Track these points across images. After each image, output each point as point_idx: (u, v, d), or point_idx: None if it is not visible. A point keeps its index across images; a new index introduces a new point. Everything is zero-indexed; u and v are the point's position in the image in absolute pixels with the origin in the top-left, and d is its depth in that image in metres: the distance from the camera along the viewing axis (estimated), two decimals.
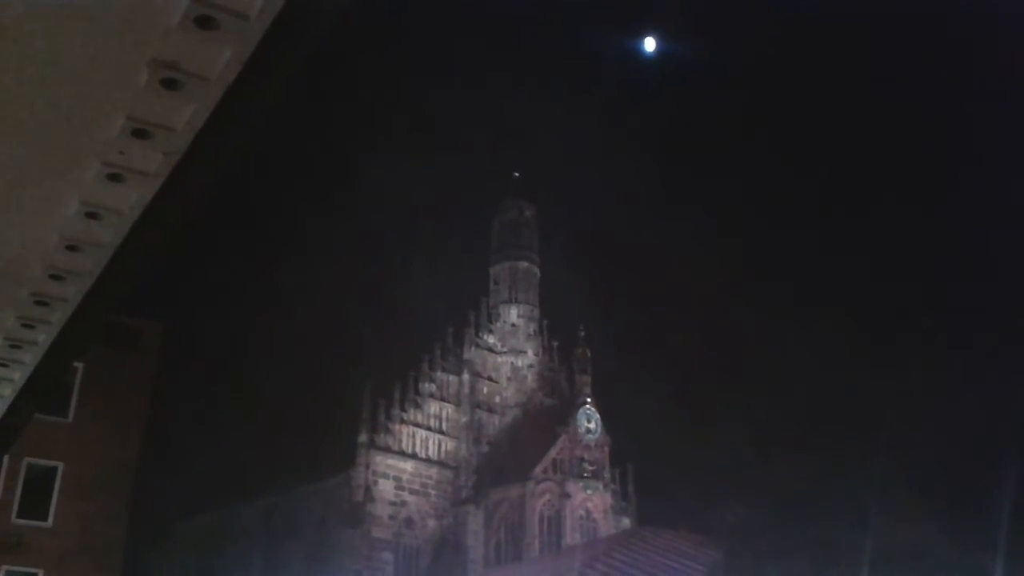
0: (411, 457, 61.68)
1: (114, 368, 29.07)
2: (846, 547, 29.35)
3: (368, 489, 58.53)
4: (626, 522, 63.20)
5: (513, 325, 70.26)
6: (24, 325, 2.97)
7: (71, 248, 2.61)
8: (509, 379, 68.83)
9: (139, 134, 2.17)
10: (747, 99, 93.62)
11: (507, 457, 63.02)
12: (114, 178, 2.31)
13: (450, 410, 64.95)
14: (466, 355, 66.83)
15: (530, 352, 70.12)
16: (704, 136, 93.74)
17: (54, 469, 29.04)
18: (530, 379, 69.50)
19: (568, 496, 59.84)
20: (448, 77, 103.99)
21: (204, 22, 1.89)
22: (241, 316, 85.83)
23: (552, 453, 61.44)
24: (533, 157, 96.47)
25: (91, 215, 2.46)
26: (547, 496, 60.14)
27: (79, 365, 27.86)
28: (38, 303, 2.86)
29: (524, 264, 71.65)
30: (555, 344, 71.14)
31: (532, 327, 70.90)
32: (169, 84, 2.02)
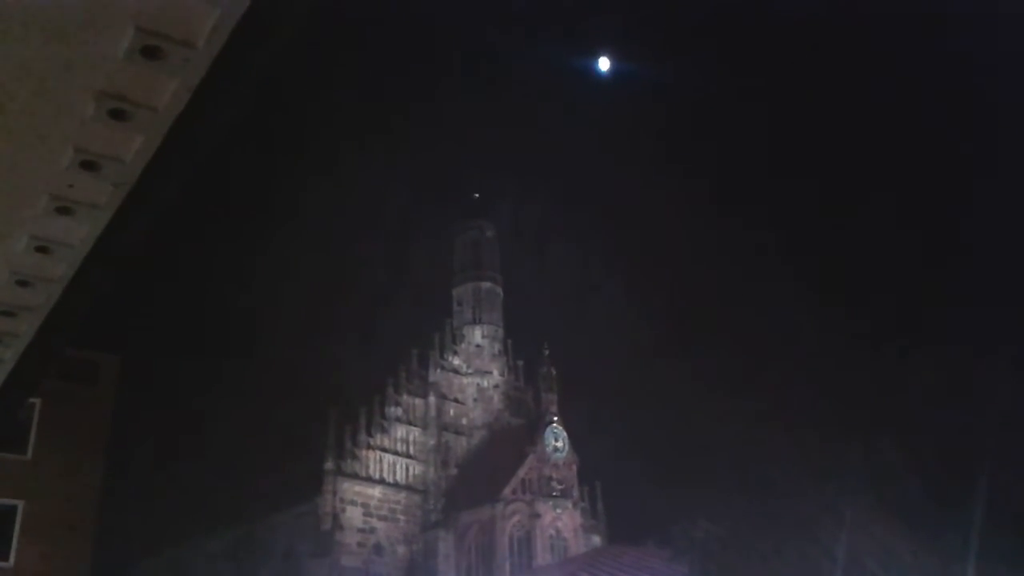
0: (379, 482, 61.23)
1: (72, 403, 28.60)
2: (820, 558, 29.50)
3: (336, 516, 57.99)
4: (596, 540, 63.13)
5: (478, 346, 70.21)
6: None
7: (21, 283, 2.57)
8: (475, 400, 68.70)
9: (88, 166, 2.15)
10: (704, 114, 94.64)
11: (476, 479, 62.76)
12: (64, 211, 2.29)
13: (417, 433, 64.64)
14: (432, 377, 66.64)
15: (495, 372, 70.07)
16: (664, 151, 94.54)
17: (14, 508, 28.45)
18: (496, 399, 69.40)
19: (538, 516, 59.68)
20: (405, 98, 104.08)
21: (150, 52, 1.88)
22: (201, 346, 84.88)
23: (521, 473, 61.29)
24: (492, 177, 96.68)
25: (41, 249, 2.43)
26: (517, 517, 59.95)
27: (36, 401, 27.39)
28: None
29: (487, 284, 71.71)
30: (520, 363, 71.16)
31: (497, 347, 70.89)
32: (117, 115, 2.01)
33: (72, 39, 1.87)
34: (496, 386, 69.76)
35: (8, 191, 2.25)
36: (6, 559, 28.21)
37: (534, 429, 64.03)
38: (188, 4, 1.83)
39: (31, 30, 1.84)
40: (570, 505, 61.68)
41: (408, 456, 63.46)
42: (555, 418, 63.87)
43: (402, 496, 62.04)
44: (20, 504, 28.51)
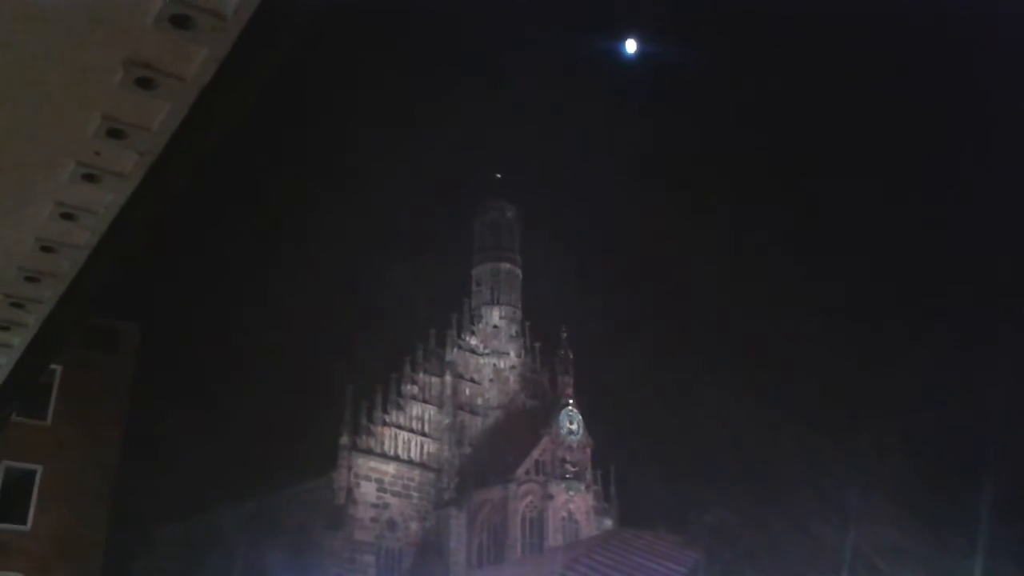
0: (393, 459, 61.56)
1: (93, 370, 28.88)
2: (829, 548, 29.50)
3: (350, 492, 58.38)
4: (608, 523, 63.26)
5: (495, 327, 70.29)
6: None
7: (46, 249, 2.58)
8: (491, 381, 68.84)
9: (114, 134, 2.15)
10: (732, 99, 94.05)
11: (490, 459, 63.00)
12: (89, 178, 2.30)
13: (432, 412, 64.89)
14: (448, 357, 66.80)
15: (512, 353, 70.16)
16: (690, 135, 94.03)
17: (33, 472, 28.80)
18: (512, 380, 69.53)
19: (550, 497, 59.89)
20: (430, 77, 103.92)
21: (180, 21, 1.88)
22: (222, 318, 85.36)
23: (534, 454, 61.49)
24: (515, 158, 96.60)
25: (66, 216, 2.44)
26: (529, 498, 60.17)
27: (57, 367, 27.65)
28: (13, 305, 2.84)
29: (506, 265, 71.69)
30: (537, 345, 71.20)
31: (514, 328, 70.94)
32: (144, 84, 2.01)
33: (102, 6, 1.87)
34: (512, 367, 69.88)
35: (35, 157, 2.26)
36: (24, 522, 28.59)
37: (549, 411, 64.18)
38: None
39: None
40: (583, 488, 61.86)
41: (423, 434, 63.76)
42: (570, 401, 63.99)
43: (416, 473, 62.37)
44: (39, 468, 28.86)
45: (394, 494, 60.81)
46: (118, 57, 1.96)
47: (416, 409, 64.05)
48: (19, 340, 3.04)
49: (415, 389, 64.47)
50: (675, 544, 41.00)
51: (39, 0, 1.86)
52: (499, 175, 73.69)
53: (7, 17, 1.89)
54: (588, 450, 63.40)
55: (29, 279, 2.72)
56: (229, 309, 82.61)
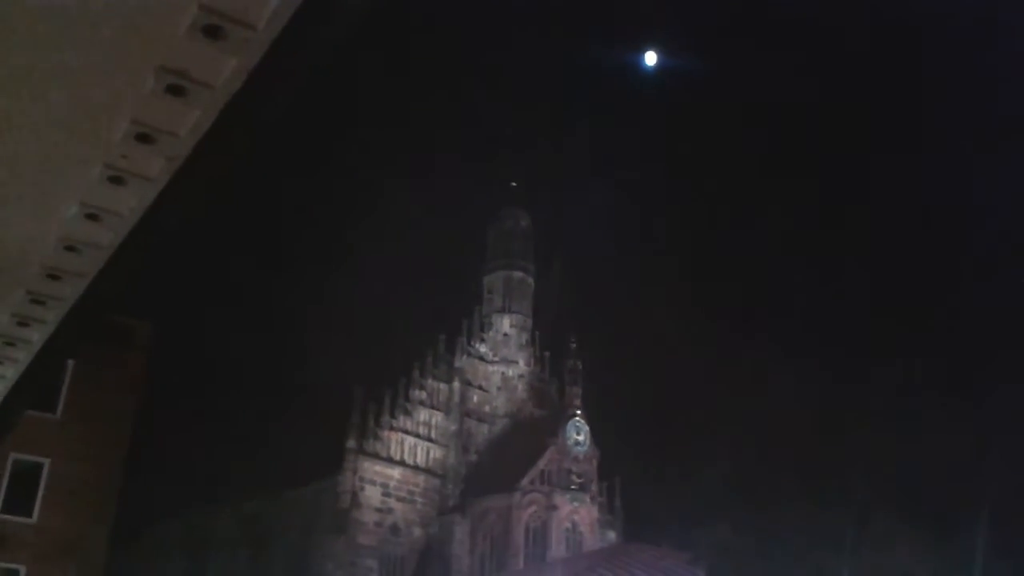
0: (399, 464, 61.56)
1: (104, 366, 28.98)
2: (829, 567, 29.42)
3: (355, 495, 58.38)
4: (612, 536, 63.11)
5: (505, 335, 70.28)
6: (19, 323, 2.98)
7: (69, 248, 2.62)
8: (499, 388, 68.82)
9: (142, 138, 2.19)
10: (748, 113, 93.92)
11: (495, 467, 62.93)
12: (115, 180, 2.33)
13: (439, 418, 64.88)
14: (457, 363, 66.82)
15: (521, 362, 70.13)
16: (704, 150, 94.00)
17: (40, 465, 28.93)
18: (520, 389, 69.49)
19: (555, 508, 59.75)
20: (448, 85, 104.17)
21: (211, 31, 1.91)
22: (234, 318, 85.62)
23: (540, 464, 61.36)
24: (532, 167, 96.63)
25: (91, 216, 2.47)
26: (534, 507, 60.05)
27: (69, 362, 27.79)
28: (34, 302, 2.88)
29: (518, 274, 71.71)
30: (546, 355, 71.19)
31: (524, 337, 70.93)
32: (175, 91, 2.04)
33: (136, 14, 1.90)
34: (521, 376, 69.85)
35: (63, 157, 2.30)
36: (30, 515, 28.71)
37: (556, 421, 64.06)
38: None
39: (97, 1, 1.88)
40: (588, 499, 61.69)
41: (429, 440, 63.74)
42: (578, 412, 63.85)
43: (421, 479, 62.34)
44: (46, 462, 28.98)
45: (399, 499, 60.79)
46: (150, 64, 2.00)
47: (423, 414, 64.06)
48: (38, 336, 3.08)
49: (423, 394, 64.49)
50: (682, 560, 40.88)
51: (76, 7, 1.89)
52: (514, 183, 73.80)
53: (46, 22, 1.93)
54: (594, 462, 63.24)
55: (51, 277, 2.76)
56: (240, 309, 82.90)
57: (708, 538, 33.61)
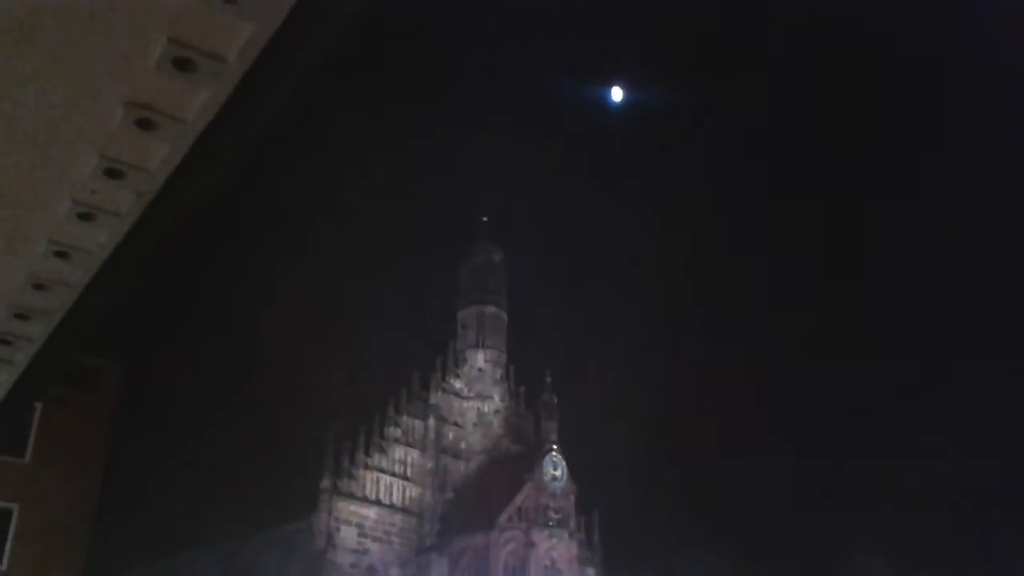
0: (375, 503, 60.90)
1: (73, 408, 28.55)
2: None
3: (330, 536, 57.65)
4: (591, 572, 62.65)
5: (480, 370, 70.02)
6: None
7: (38, 287, 2.58)
8: (475, 424, 68.43)
9: (112, 174, 2.16)
10: (715, 144, 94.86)
11: (472, 504, 62.40)
12: (85, 217, 2.30)
13: (415, 455, 64.35)
14: (432, 399, 66.43)
15: (496, 397, 69.83)
16: (675, 181, 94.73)
17: (9, 511, 28.37)
18: (496, 424, 69.13)
19: (533, 545, 59.25)
20: (417, 122, 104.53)
21: (182, 64, 1.90)
22: (204, 356, 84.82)
23: (517, 501, 60.91)
24: (502, 202, 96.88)
25: (59, 254, 2.44)
26: (512, 544, 59.52)
27: (37, 404, 27.36)
28: (2, 342, 2.82)
29: (492, 309, 71.59)
30: (522, 389, 70.93)
31: (499, 372, 70.69)
32: (144, 125, 2.02)
33: (105, 46, 1.89)
34: (496, 411, 69.52)
35: (31, 195, 2.27)
36: None
37: (533, 456, 63.70)
38: (222, 18, 1.84)
39: (68, 30, 1.86)
40: (566, 535, 61.23)
41: (405, 478, 63.16)
42: (554, 447, 63.56)
43: (397, 518, 61.69)
44: (15, 507, 28.42)
45: (375, 539, 60.08)
46: (119, 98, 1.97)
47: (399, 452, 63.52)
48: (5, 377, 3.02)
49: (398, 432, 63.99)
50: None
51: (41, 41, 1.87)
52: (486, 218, 73.94)
53: (10, 55, 1.90)
54: (572, 497, 62.88)
55: (19, 316, 2.71)
56: (211, 348, 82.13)
57: (691, 568, 33.43)
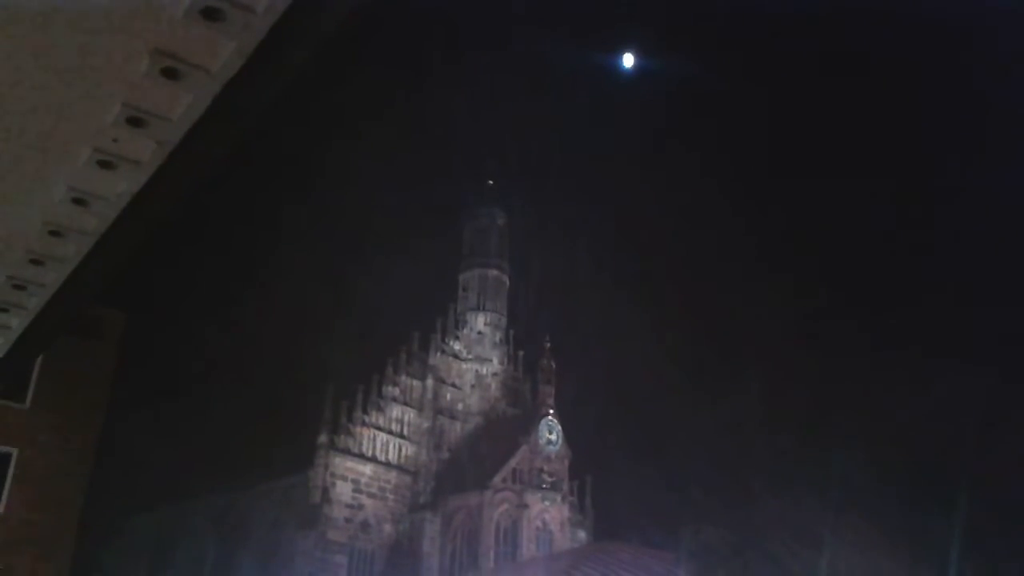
0: (371, 460, 61.38)
1: (75, 356, 28.60)
2: (807, 569, 29.60)
3: (326, 491, 58.16)
4: (582, 535, 63.25)
5: (479, 333, 70.25)
6: None
7: (54, 233, 2.57)
8: (473, 386, 68.78)
9: (134, 122, 2.15)
10: (727, 113, 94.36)
11: (467, 465, 62.89)
12: (105, 165, 2.29)
13: (412, 415, 64.75)
14: (431, 360, 66.71)
15: (495, 360, 70.13)
16: (683, 148, 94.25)
17: (8, 455, 28.57)
18: (494, 387, 69.49)
19: (526, 507, 59.80)
20: (425, 81, 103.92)
21: (210, 14, 1.88)
22: (207, 310, 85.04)
23: (512, 463, 61.40)
24: (508, 166, 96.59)
25: (78, 201, 2.43)
26: (505, 506, 60.07)
27: None
28: (15, 287, 2.82)
29: (493, 272, 71.70)
30: (520, 354, 71.21)
31: (498, 335, 70.94)
32: (169, 73, 2.00)
33: None
34: (495, 374, 69.85)
35: (52, 140, 2.25)
36: None
37: (529, 420, 64.14)
38: None
39: None
40: (559, 499, 61.78)
41: (402, 436, 63.60)
42: (551, 411, 63.93)
43: (393, 475, 62.19)
44: (14, 452, 28.62)
45: (370, 495, 60.61)
46: (146, 46, 1.96)
47: (396, 411, 63.90)
48: (17, 322, 3.02)
49: (396, 391, 64.33)
50: (663, 560, 40.75)
51: None
52: (491, 181, 73.73)
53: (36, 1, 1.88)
54: (566, 461, 63.36)
55: (34, 262, 2.70)
56: (213, 303, 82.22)
57: (699, 537, 33.70)
